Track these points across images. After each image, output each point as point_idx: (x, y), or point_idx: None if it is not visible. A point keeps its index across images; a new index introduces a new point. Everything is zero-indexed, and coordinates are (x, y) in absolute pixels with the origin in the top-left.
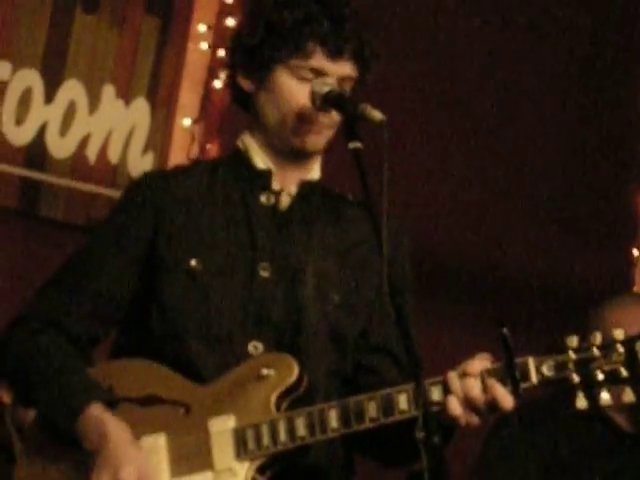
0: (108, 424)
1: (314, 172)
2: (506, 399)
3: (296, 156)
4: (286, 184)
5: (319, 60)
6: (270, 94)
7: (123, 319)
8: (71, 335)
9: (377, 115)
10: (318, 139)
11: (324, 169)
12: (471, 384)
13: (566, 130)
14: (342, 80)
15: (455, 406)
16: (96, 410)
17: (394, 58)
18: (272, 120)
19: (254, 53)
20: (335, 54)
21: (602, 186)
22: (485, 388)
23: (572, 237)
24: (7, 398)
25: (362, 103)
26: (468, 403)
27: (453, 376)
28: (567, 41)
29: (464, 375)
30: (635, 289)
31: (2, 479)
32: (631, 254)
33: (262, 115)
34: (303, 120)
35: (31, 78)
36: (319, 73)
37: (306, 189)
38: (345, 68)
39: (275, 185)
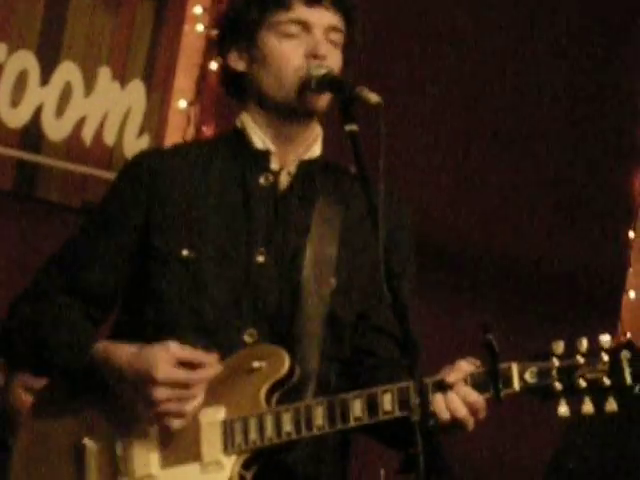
0: (120, 347)
1: (314, 150)
2: (479, 403)
3: (300, 121)
4: (285, 164)
5: (298, 10)
6: (262, 62)
7: (121, 305)
8: (72, 307)
9: (373, 97)
10: (319, 99)
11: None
12: (453, 400)
13: (563, 113)
14: (329, 32)
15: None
16: (103, 344)
17: (391, 41)
18: (271, 88)
19: (239, 22)
20: (313, 2)
21: (598, 168)
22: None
23: (568, 219)
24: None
25: (359, 86)
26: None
27: (440, 399)
28: (569, 24)
29: (444, 387)
30: (630, 271)
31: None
32: (627, 236)
33: (260, 88)
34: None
35: (27, 60)
36: (304, 26)
37: (306, 167)
38: (327, 16)
39: (274, 165)
